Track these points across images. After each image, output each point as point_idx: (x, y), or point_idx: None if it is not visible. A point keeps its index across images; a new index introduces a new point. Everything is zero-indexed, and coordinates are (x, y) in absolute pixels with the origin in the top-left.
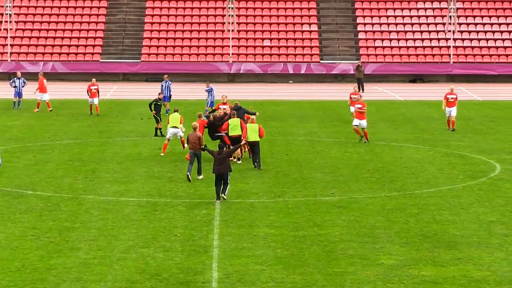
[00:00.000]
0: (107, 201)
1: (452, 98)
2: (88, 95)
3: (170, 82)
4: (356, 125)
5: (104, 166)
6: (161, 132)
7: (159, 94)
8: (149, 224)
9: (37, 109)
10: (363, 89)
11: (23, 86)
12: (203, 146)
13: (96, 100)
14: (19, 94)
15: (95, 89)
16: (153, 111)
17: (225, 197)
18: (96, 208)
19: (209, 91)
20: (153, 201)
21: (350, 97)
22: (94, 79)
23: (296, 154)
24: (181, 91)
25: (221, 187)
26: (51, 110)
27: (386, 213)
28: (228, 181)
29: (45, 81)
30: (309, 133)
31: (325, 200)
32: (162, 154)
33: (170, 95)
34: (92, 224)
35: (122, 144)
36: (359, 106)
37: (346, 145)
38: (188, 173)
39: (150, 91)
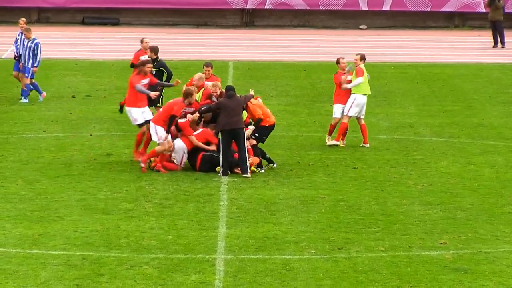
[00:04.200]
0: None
1: None
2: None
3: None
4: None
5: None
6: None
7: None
8: None
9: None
10: (502, 42)
11: None
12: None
13: None
14: None
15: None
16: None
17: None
18: None
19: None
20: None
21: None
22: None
23: (374, 165)
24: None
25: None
26: None
27: None
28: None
29: None
30: (399, 126)
31: (429, 257)
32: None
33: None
34: None
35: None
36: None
37: (470, 151)
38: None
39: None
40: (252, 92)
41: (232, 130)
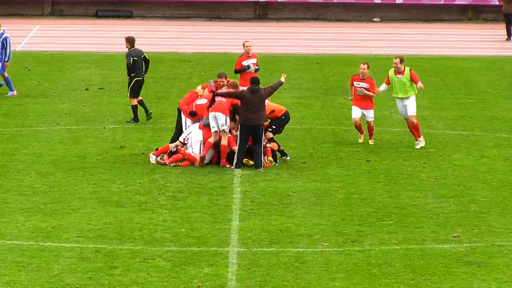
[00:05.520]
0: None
1: None
2: None
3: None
4: (357, 117)
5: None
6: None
7: None
8: None
9: None
10: None
11: None
12: None
13: None
14: None
15: None
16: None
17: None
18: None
19: None
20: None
21: (352, 84)
22: None
23: (387, 158)
24: (173, 38)
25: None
26: None
27: None
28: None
29: None
30: None
31: (442, 250)
32: None
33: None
34: None
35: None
36: (364, 85)
37: (483, 144)
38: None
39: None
40: (283, 79)
41: (251, 126)
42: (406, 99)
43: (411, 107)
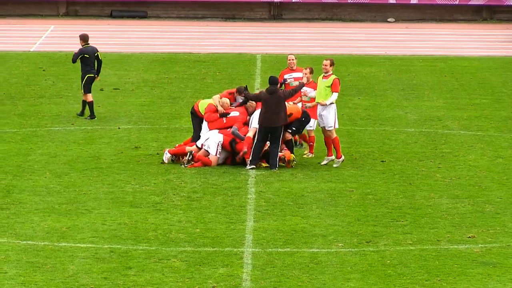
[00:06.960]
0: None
1: None
2: None
3: None
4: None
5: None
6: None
7: None
8: None
9: None
10: None
11: None
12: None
13: None
14: None
15: None
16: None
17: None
18: None
19: None
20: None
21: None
22: None
23: (402, 159)
24: (188, 38)
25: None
26: None
27: None
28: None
29: None
30: (427, 119)
31: (457, 251)
32: None
33: None
34: None
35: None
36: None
37: (498, 144)
38: None
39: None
40: (304, 79)
41: (269, 128)
42: (324, 108)
43: (328, 118)
